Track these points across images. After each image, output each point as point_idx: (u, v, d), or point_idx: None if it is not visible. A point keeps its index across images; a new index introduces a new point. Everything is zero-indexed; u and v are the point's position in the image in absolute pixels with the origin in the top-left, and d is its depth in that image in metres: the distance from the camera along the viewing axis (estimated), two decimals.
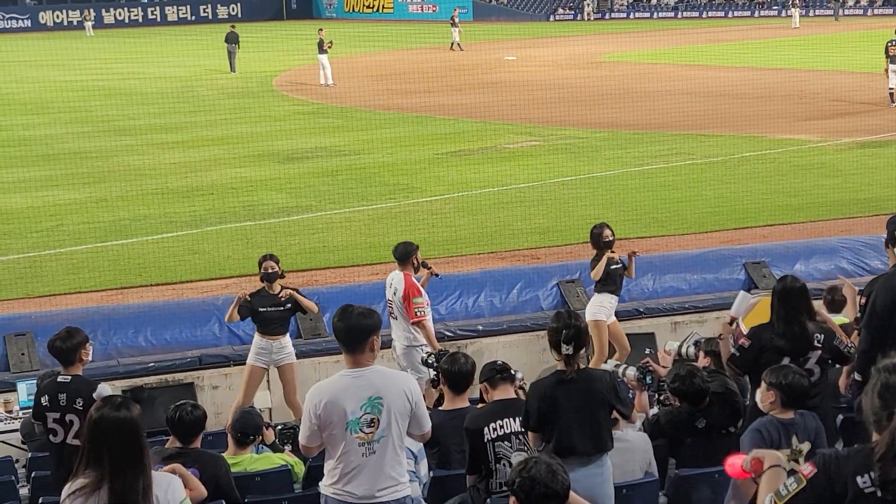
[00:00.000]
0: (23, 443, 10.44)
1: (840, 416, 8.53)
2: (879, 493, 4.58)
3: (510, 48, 55.64)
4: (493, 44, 60.14)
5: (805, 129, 28.43)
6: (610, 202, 20.60)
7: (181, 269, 16.95)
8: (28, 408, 10.73)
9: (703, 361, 8.95)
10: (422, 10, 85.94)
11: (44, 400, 8.19)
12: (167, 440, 8.10)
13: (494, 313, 14.29)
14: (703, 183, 22.40)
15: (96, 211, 21.02)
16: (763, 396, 7.28)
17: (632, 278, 13.20)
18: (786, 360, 8.00)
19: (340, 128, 31.27)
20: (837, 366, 8.63)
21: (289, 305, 11.83)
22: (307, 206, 21.30)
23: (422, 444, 7.51)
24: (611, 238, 12.58)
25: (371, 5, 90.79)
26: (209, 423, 8.44)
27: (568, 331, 6.95)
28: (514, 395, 7.78)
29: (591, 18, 79.97)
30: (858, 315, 8.71)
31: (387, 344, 11.17)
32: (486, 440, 7.41)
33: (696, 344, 9.32)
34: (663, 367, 9.16)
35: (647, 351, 13.05)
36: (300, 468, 8.62)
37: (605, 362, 9.96)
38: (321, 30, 43.22)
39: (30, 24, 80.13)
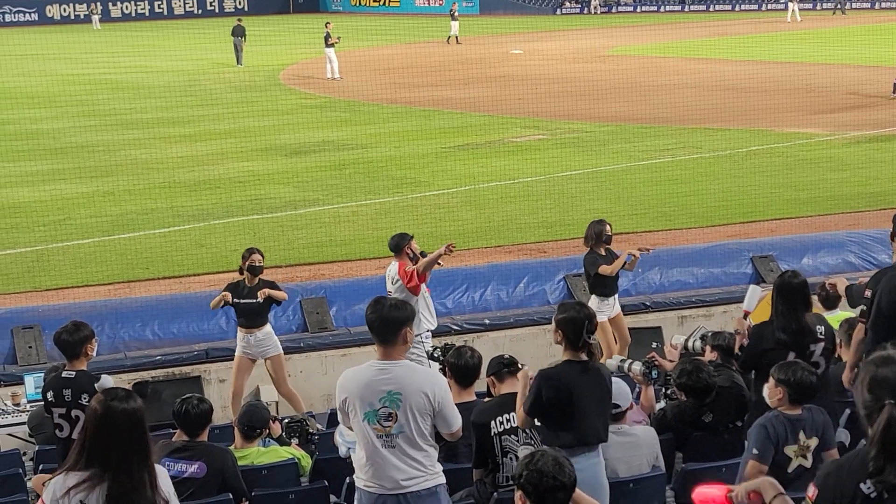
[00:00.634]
0: (30, 435, 10.46)
1: (847, 411, 8.52)
2: (886, 496, 4.54)
3: (516, 42, 55.56)
4: (499, 37, 60.04)
5: (813, 122, 28.37)
6: (617, 196, 20.59)
7: (188, 263, 16.97)
8: (35, 401, 10.76)
9: (709, 355, 8.94)
10: (428, 3, 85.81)
11: (49, 395, 8.20)
12: (173, 433, 8.11)
13: (501, 307, 14.30)
14: (710, 177, 22.36)
15: (103, 204, 21.03)
16: (771, 392, 7.27)
17: (630, 271, 13.10)
18: (792, 355, 8.00)
19: (347, 121, 31.26)
20: (842, 360, 8.63)
21: (262, 299, 11.81)
22: (314, 199, 21.30)
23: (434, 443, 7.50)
24: (610, 233, 12.53)
25: None
26: (216, 416, 8.45)
27: (590, 322, 6.98)
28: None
29: (598, 12, 79.79)
30: (864, 308, 8.71)
31: None
32: (492, 434, 7.41)
33: (703, 338, 9.31)
34: (669, 361, 9.15)
35: (654, 345, 13.03)
36: (307, 461, 8.63)
37: (611, 357, 9.94)
38: (328, 23, 43.19)
39: (37, 18, 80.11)
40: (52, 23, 79.20)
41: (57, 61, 49.56)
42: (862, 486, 4.63)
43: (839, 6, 69.60)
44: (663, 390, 9.02)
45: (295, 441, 9.08)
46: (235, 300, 11.74)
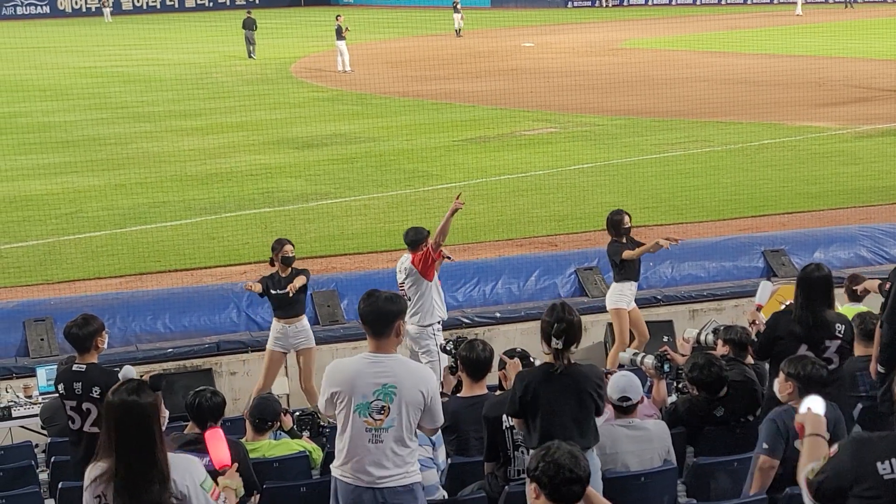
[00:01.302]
0: (42, 427, 10.49)
1: (859, 406, 8.51)
2: None
3: (528, 35, 55.48)
4: (510, 30, 59.98)
5: (824, 116, 28.28)
6: (628, 189, 20.56)
7: (199, 255, 16.99)
8: (47, 393, 10.79)
9: (721, 350, 8.93)
10: None
11: (60, 388, 8.21)
12: (185, 426, 8.12)
13: (512, 300, 14.30)
14: (721, 170, 22.32)
15: (115, 197, 21.07)
16: (781, 387, 7.26)
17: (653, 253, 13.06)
18: (804, 348, 8.00)
19: (358, 114, 31.25)
20: (855, 354, 8.61)
21: (292, 293, 11.81)
22: (325, 192, 21.31)
23: (439, 431, 7.50)
24: (629, 224, 12.54)
25: None
26: (227, 409, 8.45)
27: (559, 325, 6.85)
28: None
29: (610, 5, 79.64)
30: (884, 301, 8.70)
31: None
32: (504, 427, 7.41)
33: (715, 332, 9.30)
34: (681, 355, 9.14)
35: (665, 339, 13.03)
36: (318, 454, 8.64)
37: (624, 350, 9.93)
38: (339, 16, 43.18)
39: (49, 10, 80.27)
40: (64, 15, 79.35)
41: (68, 54, 49.62)
42: (878, 464, 4.67)
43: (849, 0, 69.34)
44: (675, 384, 9.02)
45: (306, 434, 9.09)
46: (272, 291, 11.74)
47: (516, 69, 40.29)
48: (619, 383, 7.72)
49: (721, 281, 14.89)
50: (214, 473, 7.41)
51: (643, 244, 12.53)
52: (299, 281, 11.69)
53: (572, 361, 6.98)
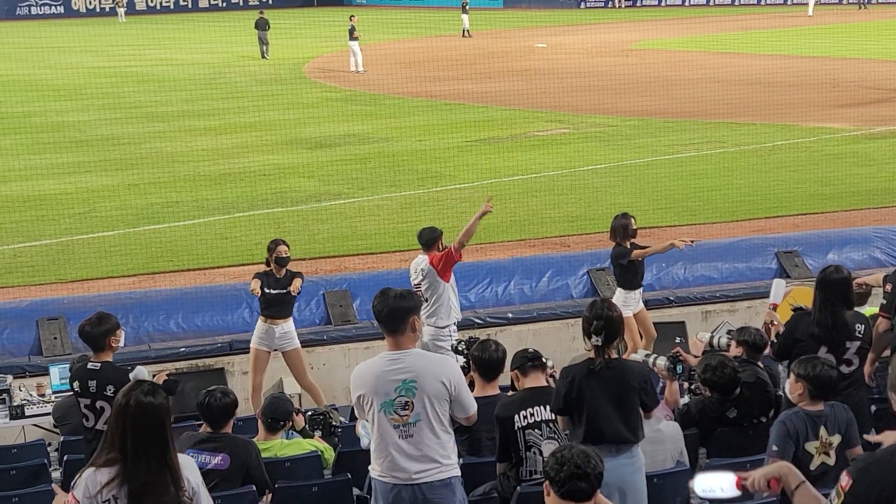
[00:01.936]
0: (55, 426, 10.51)
1: (873, 408, 8.48)
2: None
3: (541, 35, 55.45)
4: (523, 31, 59.96)
5: (838, 117, 28.20)
6: (640, 190, 20.53)
7: (212, 255, 17.02)
8: (60, 391, 10.83)
9: (734, 351, 8.91)
10: None
11: (75, 385, 8.24)
12: (198, 425, 8.13)
13: (524, 301, 14.28)
14: (734, 171, 22.26)
15: (128, 196, 21.12)
16: (791, 388, 7.25)
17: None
18: (823, 350, 7.99)
19: (371, 114, 31.27)
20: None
21: (296, 293, 11.83)
22: (337, 192, 21.33)
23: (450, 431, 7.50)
24: (635, 227, 12.50)
25: None
26: (238, 408, 8.47)
27: (598, 322, 6.89)
28: (545, 383, 7.75)
29: (623, 6, 79.58)
30: (884, 302, 8.69)
31: None
32: (516, 428, 7.40)
33: (729, 333, 9.28)
34: (694, 356, 9.12)
35: (678, 340, 13.00)
36: (330, 454, 8.65)
37: (636, 352, 9.91)
38: (353, 16, 43.19)
39: (63, 11, 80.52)
40: (78, 15, 79.58)
41: (82, 54, 49.76)
42: None
43: (862, 1, 69.11)
44: (687, 386, 9.00)
45: (318, 433, 9.10)
46: (265, 290, 11.76)
47: (529, 70, 40.27)
48: None
49: (734, 282, 14.86)
50: (220, 473, 7.45)
51: (648, 246, 12.50)
52: (299, 282, 11.74)
53: (614, 357, 7.00)
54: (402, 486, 6.61)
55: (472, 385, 8.54)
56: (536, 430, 7.40)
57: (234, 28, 59.06)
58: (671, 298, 14.33)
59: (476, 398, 8.07)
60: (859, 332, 8.17)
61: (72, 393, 8.62)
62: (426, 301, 11.48)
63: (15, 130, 28.09)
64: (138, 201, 20.64)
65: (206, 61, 46.09)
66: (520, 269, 14.70)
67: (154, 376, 8.28)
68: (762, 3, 76.72)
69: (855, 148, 24.51)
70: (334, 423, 9.28)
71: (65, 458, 8.86)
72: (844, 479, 4.62)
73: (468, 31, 55.88)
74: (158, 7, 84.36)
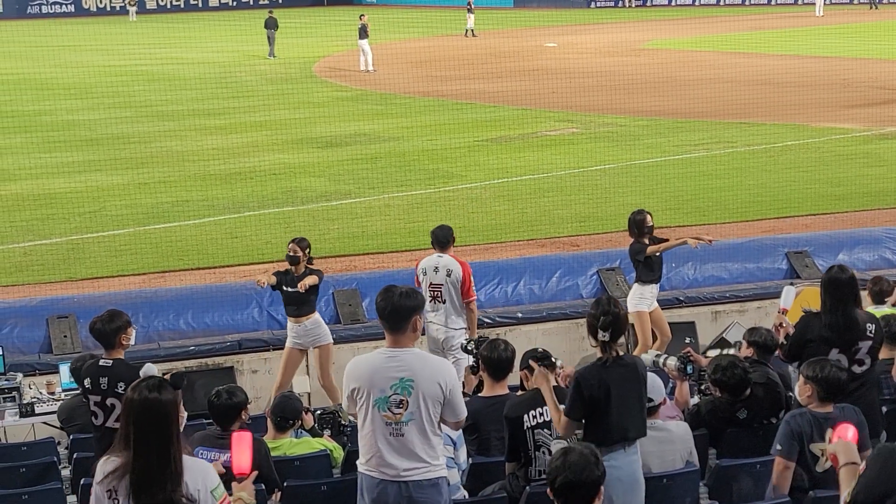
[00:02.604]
0: (61, 428, 10.52)
1: (883, 409, 8.46)
2: None
3: (551, 35, 55.41)
4: (533, 30, 59.93)
5: (849, 117, 28.14)
6: (650, 190, 20.50)
7: (221, 254, 17.04)
8: (70, 389, 10.83)
9: (745, 352, 8.89)
10: None
11: (86, 382, 8.24)
12: (207, 423, 8.13)
13: (534, 301, 14.27)
14: (744, 171, 22.23)
15: (138, 195, 21.15)
16: (801, 390, 7.24)
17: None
18: (834, 352, 7.95)
19: (380, 114, 31.28)
20: (880, 358, 8.56)
21: (303, 291, 11.80)
22: (347, 191, 21.33)
23: (460, 430, 7.50)
24: (652, 223, 12.50)
25: None
26: (248, 407, 8.47)
27: (606, 318, 6.86)
28: (555, 383, 7.74)
29: (633, 5, 79.48)
30: None
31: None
32: (525, 427, 7.39)
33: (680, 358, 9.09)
34: (705, 356, 9.10)
35: (688, 340, 12.99)
36: (339, 453, 8.64)
37: (646, 352, 9.89)
38: (363, 15, 43.20)
39: (73, 10, 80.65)
40: (89, 14, 79.70)
41: (93, 52, 49.86)
42: None
43: (873, 1, 68.91)
44: (698, 386, 8.98)
45: (327, 432, 9.09)
46: (284, 287, 11.77)
47: (539, 69, 40.24)
48: None
49: (744, 282, 14.84)
50: (229, 471, 7.42)
51: (667, 240, 12.50)
52: (310, 280, 11.67)
53: (621, 353, 7.00)
54: (388, 482, 6.59)
55: (480, 385, 8.54)
56: (545, 430, 7.38)
57: (244, 27, 59.16)
58: (681, 299, 14.31)
59: (485, 397, 8.11)
60: (870, 332, 8.13)
61: (77, 393, 8.63)
62: (442, 303, 11.44)
63: (25, 129, 28.14)
64: (148, 200, 20.67)
65: (216, 60, 46.13)
66: (529, 268, 14.69)
67: (164, 375, 8.27)
68: (773, 2, 76.56)
69: (866, 148, 24.45)
70: (343, 423, 9.28)
71: (74, 456, 8.88)
72: (862, 465, 4.68)
73: (473, 30, 55.78)
74: (169, 6, 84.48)
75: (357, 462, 6.82)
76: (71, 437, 9.62)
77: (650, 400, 7.62)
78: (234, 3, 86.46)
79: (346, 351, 13.12)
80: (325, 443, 8.70)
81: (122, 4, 78.35)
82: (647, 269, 12.40)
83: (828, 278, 8.24)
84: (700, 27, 56.98)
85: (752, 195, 20.21)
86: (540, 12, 75.44)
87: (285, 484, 7.71)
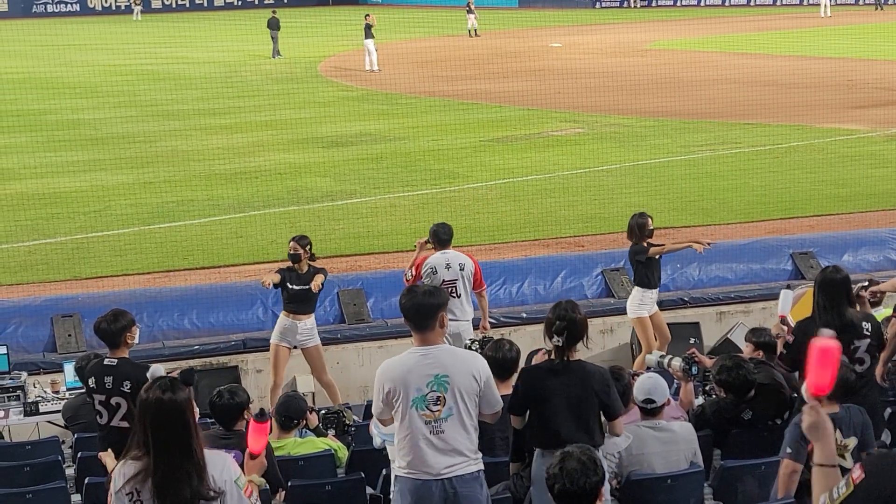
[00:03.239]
0: (66, 427, 10.52)
1: (889, 410, 8.44)
2: None
3: (556, 35, 55.39)
4: (538, 31, 59.90)
5: (854, 118, 28.12)
6: (655, 190, 20.48)
7: (226, 253, 17.04)
8: (74, 388, 10.84)
9: (750, 353, 8.87)
10: None
11: (91, 382, 8.24)
12: (211, 423, 8.14)
13: (538, 301, 14.26)
14: (749, 172, 22.21)
15: (143, 194, 21.16)
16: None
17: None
18: None
19: (385, 113, 31.28)
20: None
21: (316, 290, 11.81)
22: (351, 191, 21.34)
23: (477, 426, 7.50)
24: (652, 227, 12.48)
25: None
26: (252, 406, 8.46)
27: (560, 322, 6.90)
28: None
29: (638, 5, 79.43)
30: None
31: None
32: None
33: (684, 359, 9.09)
34: (710, 357, 9.10)
35: (692, 341, 12.98)
36: (343, 453, 8.64)
37: (650, 353, 9.89)
38: (368, 15, 43.20)
39: (79, 9, 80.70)
40: (94, 13, 79.74)
41: (98, 51, 49.91)
42: None
43: (879, 1, 68.82)
44: (702, 387, 8.97)
45: (332, 432, 9.10)
46: (288, 285, 11.76)
47: (544, 69, 40.22)
48: (644, 385, 7.71)
49: (749, 283, 14.82)
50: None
51: (665, 244, 12.49)
52: (321, 278, 11.69)
53: (575, 359, 7.00)
54: (431, 481, 6.61)
55: None
56: None
57: (249, 26, 59.18)
58: (686, 299, 14.30)
59: None
60: (867, 330, 8.14)
61: (82, 392, 8.62)
62: (457, 297, 11.57)
63: (30, 128, 28.17)
64: (153, 199, 20.68)
65: (221, 59, 46.15)
66: (534, 268, 14.69)
67: (170, 373, 8.27)
68: (778, 3, 76.48)
69: (871, 149, 24.43)
70: (348, 422, 9.28)
71: (79, 454, 8.88)
72: (857, 472, 4.63)
73: (475, 31, 55.71)
74: (174, 6, 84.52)
75: (393, 467, 6.85)
76: (75, 435, 9.63)
77: (653, 401, 7.63)
78: (239, 3, 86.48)
79: (351, 351, 13.14)
80: (330, 442, 8.70)
81: (128, 3, 78.34)
82: (648, 272, 12.34)
83: (822, 278, 8.27)
84: (705, 28, 56.94)
85: (757, 196, 20.20)
86: (545, 12, 75.42)
87: (289, 484, 7.71)
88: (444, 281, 11.51)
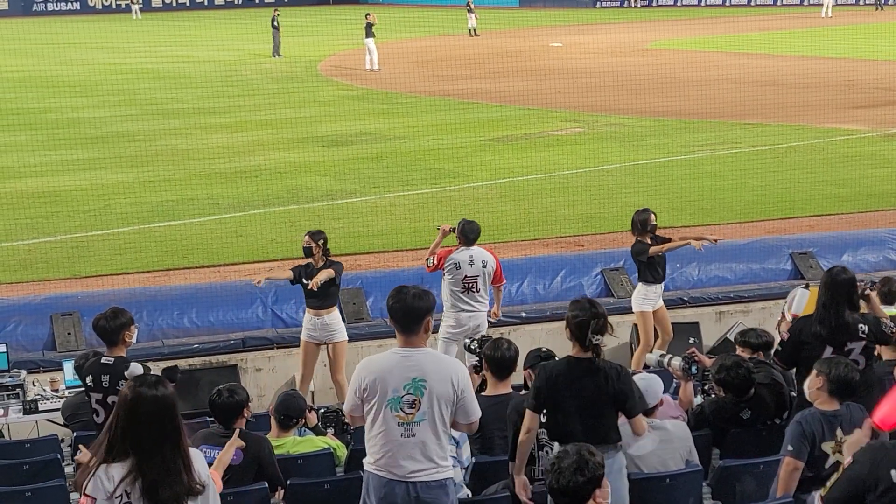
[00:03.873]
0: (65, 425, 10.53)
1: None
2: None
3: (556, 35, 55.39)
4: (539, 30, 59.90)
5: (854, 118, 28.12)
6: (655, 190, 20.48)
7: (226, 252, 17.03)
8: (73, 387, 10.84)
9: (746, 355, 8.87)
10: None
11: (88, 380, 8.25)
12: (210, 421, 8.15)
13: (538, 300, 14.27)
14: (749, 172, 22.21)
15: (142, 193, 21.16)
16: (811, 383, 7.24)
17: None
18: (828, 350, 7.96)
19: (385, 112, 31.27)
20: (884, 358, 8.56)
21: (316, 288, 11.79)
22: (351, 190, 21.33)
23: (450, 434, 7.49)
24: (655, 222, 12.49)
25: None
26: (252, 405, 8.48)
27: (597, 321, 6.89)
28: None
29: (638, 5, 79.44)
30: None
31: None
32: None
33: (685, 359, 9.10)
34: (708, 357, 9.10)
35: (692, 340, 12.97)
36: (342, 451, 8.64)
37: (651, 352, 9.89)
38: (369, 14, 43.18)
39: (79, 7, 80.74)
40: (94, 12, 79.80)
41: (98, 50, 49.90)
42: (893, 472, 4.65)
43: (879, 1, 68.81)
44: (701, 386, 8.98)
45: (331, 431, 9.10)
46: (302, 280, 11.77)
47: (544, 69, 40.22)
48: (639, 386, 7.70)
49: (748, 283, 14.82)
50: (232, 468, 7.42)
51: (670, 240, 12.50)
52: (323, 275, 11.59)
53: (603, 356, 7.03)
54: (396, 482, 6.61)
55: (484, 383, 8.54)
56: None
57: (249, 25, 59.16)
58: (685, 299, 14.30)
59: (488, 396, 8.10)
60: (863, 332, 8.15)
61: (81, 390, 8.63)
62: (476, 292, 11.92)
63: (30, 126, 28.14)
64: (153, 198, 20.68)
65: (222, 58, 46.13)
66: (533, 268, 14.69)
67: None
68: (778, 3, 76.49)
69: (871, 149, 24.43)
70: (347, 421, 9.27)
71: (77, 453, 8.87)
72: (848, 460, 4.77)
73: (475, 30, 55.70)
74: (174, 4, 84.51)
75: (364, 461, 6.83)
76: (74, 434, 9.63)
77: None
78: (240, 2, 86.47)
79: (351, 350, 13.11)
80: (329, 441, 8.70)
81: (127, 2, 78.35)
82: (651, 269, 12.40)
83: (828, 277, 8.31)
84: (705, 27, 56.95)
85: (757, 196, 20.20)
86: (545, 12, 75.42)
87: (288, 482, 7.72)
88: (466, 276, 11.82)
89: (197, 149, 25.73)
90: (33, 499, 7.86)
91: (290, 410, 8.54)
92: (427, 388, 6.54)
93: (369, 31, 41.53)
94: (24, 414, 10.99)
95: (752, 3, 77.04)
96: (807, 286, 9.02)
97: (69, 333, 12.73)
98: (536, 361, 7.79)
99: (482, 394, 8.38)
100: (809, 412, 7.14)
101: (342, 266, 11.99)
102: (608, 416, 7.01)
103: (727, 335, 13.26)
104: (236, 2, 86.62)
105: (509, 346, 8.15)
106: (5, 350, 11.64)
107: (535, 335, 13.21)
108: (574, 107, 30.43)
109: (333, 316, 11.96)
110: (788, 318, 8.79)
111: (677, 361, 8.58)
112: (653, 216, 12.45)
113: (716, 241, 12.62)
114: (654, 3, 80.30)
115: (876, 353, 8.62)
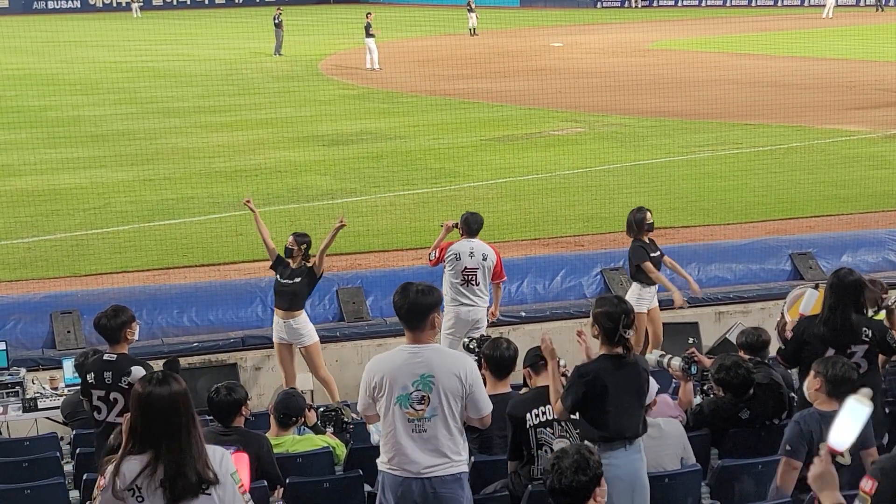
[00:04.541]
0: (64, 423, 10.53)
1: (887, 411, 8.45)
2: None
3: (557, 34, 55.39)
4: (539, 30, 59.90)
5: (854, 119, 28.11)
6: (655, 190, 20.47)
7: (226, 251, 17.04)
8: (73, 385, 10.84)
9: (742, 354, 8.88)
10: None
11: (90, 377, 8.26)
12: (209, 420, 8.15)
13: (538, 300, 14.28)
14: (749, 172, 22.21)
15: (142, 191, 21.17)
16: (809, 384, 7.25)
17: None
18: (831, 351, 7.95)
19: (386, 112, 31.27)
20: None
21: (298, 279, 11.82)
22: (351, 189, 21.34)
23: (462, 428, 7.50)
24: (651, 221, 12.48)
25: None
26: (251, 404, 8.48)
27: (627, 316, 6.89)
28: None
29: (639, 5, 79.42)
30: None
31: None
32: (528, 426, 7.39)
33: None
34: (708, 357, 9.10)
35: (691, 341, 12.95)
36: (342, 450, 8.65)
37: (651, 352, 9.89)
38: (369, 14, 43.19)
39: (79, 5, 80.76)
40: (95, 10, 79.82)
41: (98, 48, 49.89)
42: None
43: (880, 3, 68.80)
44: (701, 386, 8.98)
45: (330, 430, 9.11)
46: (278, 277, 11.79)
47: (545, 69, 40.22)
48: None
49: (748, 283, 14.83)
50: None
51: (661, 253, 12.51)
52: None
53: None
54: (412, 479, 6.63)
55: (483, 383, 8.53)
56: (548, 429, 7.39)
57: (249, 24, 59.17)
58: (684, 299, 14.27)
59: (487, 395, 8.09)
60: (866, 336, 8.13)
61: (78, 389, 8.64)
62: (476, 285, 11.89)
63: (31, 124, 28.14)
64: (153, 196, 20.69)
65: (222, 57, 46.14)
66: (533, 268, 14.70)
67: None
68: (779, 3, 76.47)
69: (871, 150, 24.43)
70: (346, 420, 9.29)
71: (77, 451, 8.89)
72: (868, 484, 4.68)
73: (475, 29, 55.69)
74: (175, 3, 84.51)
75: (378, 461, 6.85)
76: (74, 432, 9.64)
77: None
78: (241, 1, 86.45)
79: (350, 349, 13.14)
80: (328, 440, 8.71)
81: (128, 0, 78.33)
82: (644, 272, 12.37)
83: (835, 280, 8.26)
84: (706, 28, 56.95)
85: (757, 196, 20.20)
86: (546, 12, 75.41)
87: (287, 481, 7.72)
88: (465, 268, 11.83)
89: (197, 147, 25.74)
90: (32, 497, 7.86)
91: (290, 409, 8.55)
92: (435, 383, 6.57)
93: (369, 30, 41.53)
94: (23, 412, 11.00)
95: (753, 4, 76.99)
96: (816, 286, 9.00)
97: (69, 332, 12.73)
98: (536, 360, 7.79)
99: None
100: (808, 412, 7.15)
101: (316, 275, 11.98)
102: (643, 410, 7.07)
103: (726, 335, 13.25)
104: (237, 0, 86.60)
105: (508, 346, 8.15)
106: (5, 348, 11.65)
107: (535, 335, 13.16)
108: (575, 107, 30.43)
109: (300, 320, 11.96)
110: (788, 318, 8.79)
111: (677, 361, 8.58)
112: (649, 214, 12.44)
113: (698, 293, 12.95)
114: (655, 4, 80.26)
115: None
